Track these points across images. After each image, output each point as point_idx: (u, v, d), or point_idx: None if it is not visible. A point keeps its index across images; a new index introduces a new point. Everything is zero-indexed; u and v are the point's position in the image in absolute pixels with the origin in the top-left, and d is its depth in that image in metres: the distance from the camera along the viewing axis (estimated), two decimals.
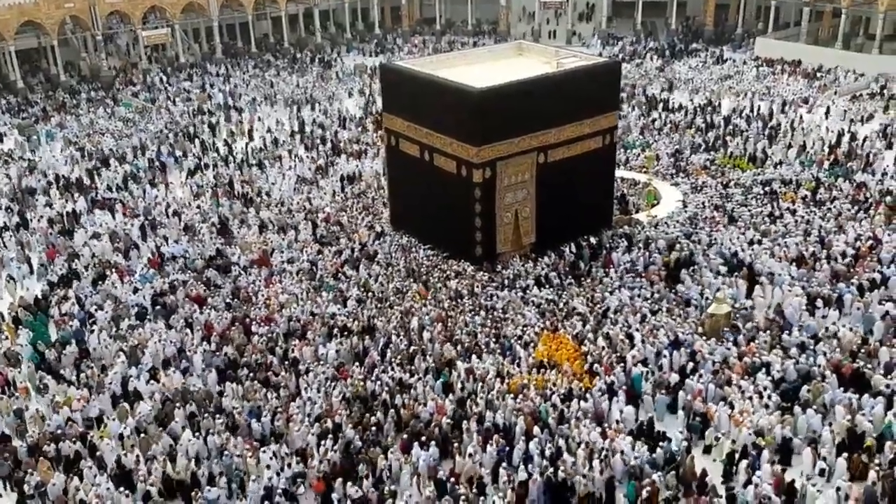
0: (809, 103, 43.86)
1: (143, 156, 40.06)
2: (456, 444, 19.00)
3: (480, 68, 29.19)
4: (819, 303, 23.74)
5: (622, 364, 21.50)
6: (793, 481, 17.41)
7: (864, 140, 37.51)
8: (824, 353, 21.46)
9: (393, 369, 21.76)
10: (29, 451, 19.40)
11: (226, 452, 18.97)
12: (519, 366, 21.75)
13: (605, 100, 28.75)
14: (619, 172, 33.26)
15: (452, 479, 17.89)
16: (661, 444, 18.47)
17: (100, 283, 27.29)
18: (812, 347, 21.78)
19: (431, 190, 28.32)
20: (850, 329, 22.54)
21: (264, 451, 18.95)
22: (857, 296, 24.05)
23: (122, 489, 18.11)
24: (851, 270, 25.47)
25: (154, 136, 42.79)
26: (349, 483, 17.82)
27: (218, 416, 20.36)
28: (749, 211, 30.52)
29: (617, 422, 19.65)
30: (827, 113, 42.13)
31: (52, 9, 52.13)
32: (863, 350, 21.62)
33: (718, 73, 51.38)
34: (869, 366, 20.87)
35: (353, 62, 58.86)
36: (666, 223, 30.11)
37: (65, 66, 55.79)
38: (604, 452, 18.33)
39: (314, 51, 61.97)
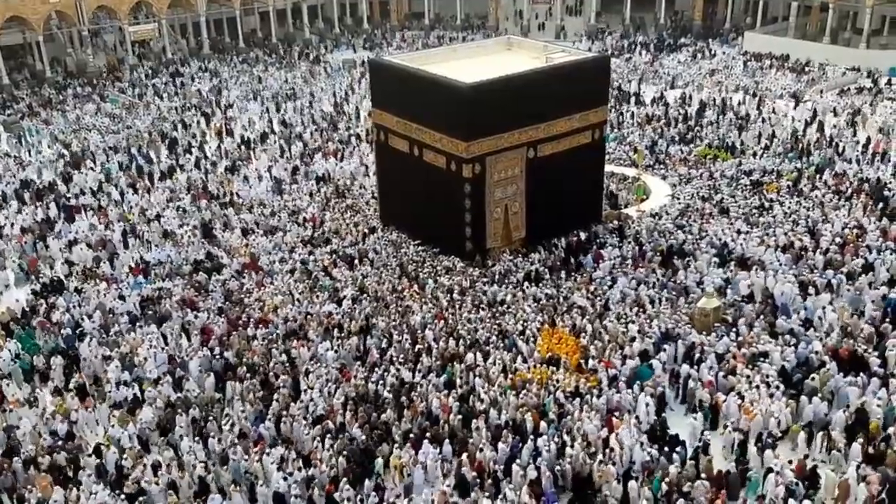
0: (797, 97, 44.10)
1: (116, 156, 39.05)
2: (470, 441, 18.88)
3: (469, 63, 29.08)
4: (811, 290, 24.07)
5: (623, 357, 21.58)
6: (815, 466, 17.58)
7: (834, 128, 38.58)
8: (819, 339, 21.83)
9: (398, 369, 21.49)
10: (25, 465, 18.79)
11: (233, 458, 18.57)
12: (525, 361, 21.71)
13: (595, 95, 28.71)
14: (607, 167, 33.25)
15: (474, 473, 17.78)
16: (676, 449, 18.18)
17: (84, 290, 26.53)
18: (805, 333, 22.12)
19: (421, 186, 28.24)
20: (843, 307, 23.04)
21: (268, 454, 18.67)
22: (847, 281, 24.45)
23: (121, 495, 17.82)
24: (841, 258, 25.86)
25: (126, 137, 41.81)
26: (358, 484, 17.74)
27: (225, 421, 19.92)
28: (736, 202, 30.82)
29: (628, 412, 19.70)
30: (796, 104, 42.92)
31: (37, 4, 51.67)
32: (858, 334, 22.02)
33: (707, 67, 51.55)
34: (867, 350, 21.17)
35: (341, 57, 58.63)
36: (657, 215, 30.26)
37: (50, 62, 55.35)
38: (611, 444, 18.40)
39: (302, 46, 61.70)
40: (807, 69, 49.61)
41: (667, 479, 17.16)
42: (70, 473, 18.80)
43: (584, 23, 63.83)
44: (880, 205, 29.40)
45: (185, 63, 57.65)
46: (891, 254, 25.72)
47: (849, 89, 45.71)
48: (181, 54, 59.42)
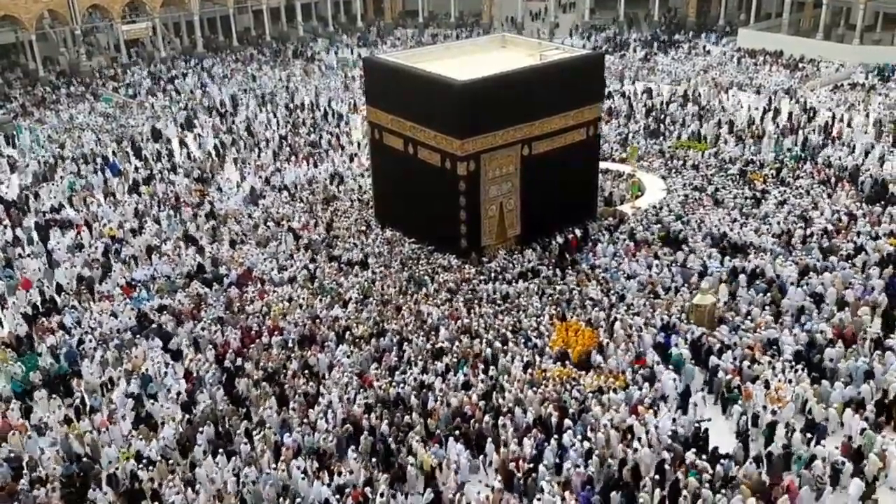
0: (790, 93, 44.34)
1: (85, 166, 37.76)
2: (502, 439, 18.86)
3: (464, 61, 29.11)
4: (811, 274, 24.63)
5: (637, 354, 21.73)
6: (860, 446, 17.78)
7: (790, 115, 39.69)
8: (826, 319, 22.32)
9: (413, 368, 21.34)
10: (31, 484, 18.26)
11: (267, 470, 18.26)
12: (541, 356, 21.76)
13: (589, 91, 28.73)
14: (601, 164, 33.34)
15: (519, 474, 17.77)
16: (721, 461, 17.81)
17: (77, 310, 25.64)
18: (817, 311, 22.68)
19: (416, 184, 28.23)
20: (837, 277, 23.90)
21: (293, 463, 18.42)
22: (847, 262, 25.17)
23: None
24: (837, 244, 26.44)
25: (96, 143, 40.98)
26: (397, 483, 17.72)
27: (257, 432, 19.58)
28: (729, 192, 31.31)
29: (663, 398, 19.98)
30: (758, 92, 44.06)
31: (29, 3, 51.42)
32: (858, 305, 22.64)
33: (701, 64, 51.64)
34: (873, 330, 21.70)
35: (335, 56, 58.50)
36: (658, 208, 30.46)
37: (43, 62, 55.12)
38: (636, 430, 18.54)
39: (296, 44, 61.58)
40: (800, 65, 49.77)
41: (709, 474, 17.14)
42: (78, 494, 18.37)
43: (579, 19, 63.83)
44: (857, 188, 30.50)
45: (185, 61, 57.34)
46: (884, 237, 26.51)
47: (842, 85, 45.87)
48: (175, 53, 59.21)
